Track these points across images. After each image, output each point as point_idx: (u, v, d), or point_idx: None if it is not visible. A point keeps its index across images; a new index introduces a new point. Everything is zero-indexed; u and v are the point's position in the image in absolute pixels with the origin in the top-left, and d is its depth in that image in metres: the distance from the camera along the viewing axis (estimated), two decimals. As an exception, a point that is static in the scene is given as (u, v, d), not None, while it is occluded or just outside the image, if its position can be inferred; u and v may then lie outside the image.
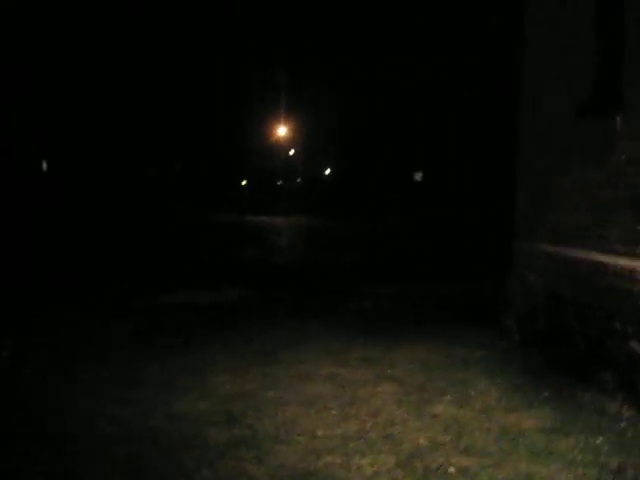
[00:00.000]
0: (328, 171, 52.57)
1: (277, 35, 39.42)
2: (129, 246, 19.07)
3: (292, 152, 52.96)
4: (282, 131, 47.78)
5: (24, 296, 10.70)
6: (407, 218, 30.31)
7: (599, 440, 4.83)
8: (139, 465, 4.50)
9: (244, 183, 56.89)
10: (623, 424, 5.14)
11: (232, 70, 39.03)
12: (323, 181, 52.11)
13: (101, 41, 27.46)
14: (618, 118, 6.02)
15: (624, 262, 5.71)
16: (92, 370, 6.70)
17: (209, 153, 42.33)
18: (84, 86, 27.06)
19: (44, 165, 30.95)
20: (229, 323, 9.09)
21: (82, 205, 26.51)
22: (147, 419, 5.33)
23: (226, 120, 40.81)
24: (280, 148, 50.19)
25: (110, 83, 28.53)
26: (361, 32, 35.92)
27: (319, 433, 5.03)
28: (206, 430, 5.10)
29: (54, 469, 4.43)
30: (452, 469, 4.41)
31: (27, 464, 4.50)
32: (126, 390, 6.05)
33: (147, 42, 30.00)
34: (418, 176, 39.89)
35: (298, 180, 54.82)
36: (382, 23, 33.80)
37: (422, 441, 4.89)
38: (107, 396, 5.87)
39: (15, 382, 6.35)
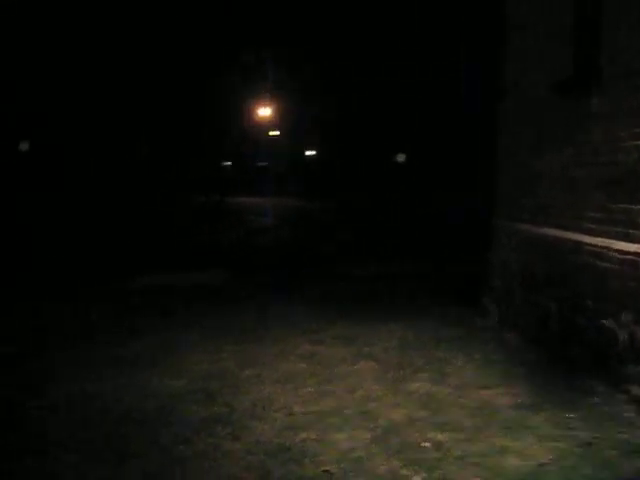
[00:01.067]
0: (312, 152, 52.44)
1: (260, 16, 39.06)
2: (109, 231, 18.97)
3: (275, 133, 52.75)
4: (265, 112, 47.53)
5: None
6: (390, 200, 30.33)
7: (571, 415, 4.89)
8: (116, 442, 4.51)
9: (227, 164, 56.59)
10: (595, 399, 5.21)
11: (214, 52, 38.62)
12: (306, 162, 51.99)
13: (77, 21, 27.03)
14: (594, 98, 6.05)
15: (598, 241, 5.76)
16: (73, 351, 6.73)
17: (188, 135, 41.89)
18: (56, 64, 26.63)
19: (24, 145, 30.55)
20: (209, 304, 9.12)
21: (57, 188, 26.25)
22: (124, 397, 5.35)
23: (207, 101, 40.49)
24: (263, 129, 49.98)
25: (88, 63, 28.18)
26: (345, 14, 35.73)
27: (295, 410, 5.07)
28: (182, 407, 5.12)
29: (32, 446, 4.45)
30: (427, 444, 4.46)
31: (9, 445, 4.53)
32: (104, 369, 6.08)
33: (125, 25, 29.57)
34: (401, 158, 39.87)
35: (281, 161, 54.62)
36: (366, 7, 33.60)
37: (398, 417, 4.93)
38: (86, 376, 5.89)
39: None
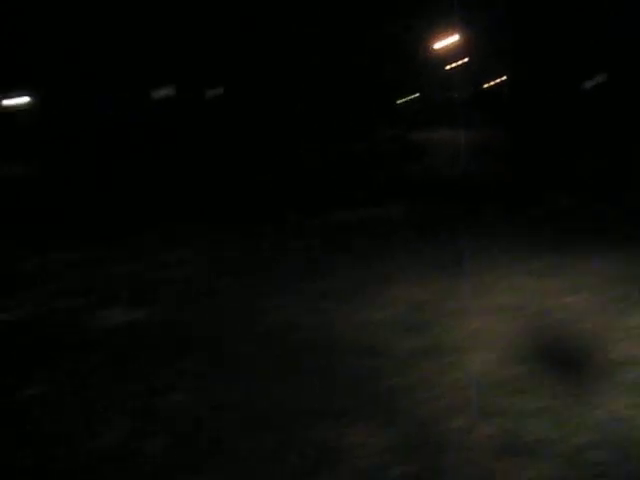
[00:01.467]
0: (503, 79, 50.17)
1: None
2: (295, 166, 19.43)
3: (461, 63, 50.96)
4: (450, 42, 45.92)
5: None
6: (586, 130, 28.31)
7: None
8: (323, 373, 4.57)
9: (412, 97, 55.60)
10: None
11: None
12: (493, 92, 49.88)
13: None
14: None
15: None
16: (281, 282, 6.94)
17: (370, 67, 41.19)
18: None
19: (217, 91, 31.66)
20: (404, 237, 9.02)
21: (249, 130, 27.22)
22: (334, 327, 5.44)
23: (386, 32, 39.57)
24: (447, 59, 48.41)
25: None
26: None
27: (504, 344, 4.87)
28: (389, 339, 5.09)
29: (233, 375, 4.64)
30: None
31: (228, 364, 4.76)
32: (313, 301, 6.20)
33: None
34: (597, 80, 37.04)
35: (471, 91, 52.62)
36: None
37: (616, 355, 4.58)
38: (297, 307, 6.05)
39: (209, 287, 6.74)
